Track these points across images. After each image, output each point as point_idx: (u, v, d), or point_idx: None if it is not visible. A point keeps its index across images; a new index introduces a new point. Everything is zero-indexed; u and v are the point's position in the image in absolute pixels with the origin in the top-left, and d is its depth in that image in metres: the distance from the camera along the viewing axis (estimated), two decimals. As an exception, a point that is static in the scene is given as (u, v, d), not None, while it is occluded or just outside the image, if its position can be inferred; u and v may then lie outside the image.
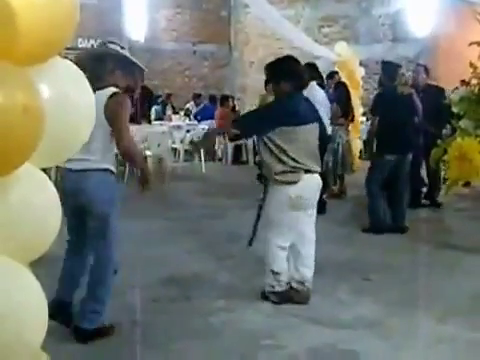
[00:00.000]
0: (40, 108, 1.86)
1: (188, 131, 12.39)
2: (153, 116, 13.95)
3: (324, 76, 9.02)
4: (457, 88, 7.30)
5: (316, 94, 7.16)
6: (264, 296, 4.64)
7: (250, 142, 11.79)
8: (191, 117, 14.59)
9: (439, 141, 6.36)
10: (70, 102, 2.10)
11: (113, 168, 3.82)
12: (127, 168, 10.07)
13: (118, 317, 4.08)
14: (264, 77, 5.28)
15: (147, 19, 18.00)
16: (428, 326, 4.12)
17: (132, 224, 6.51)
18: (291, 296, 4.60)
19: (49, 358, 2.40)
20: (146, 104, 11.57)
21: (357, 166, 9.62)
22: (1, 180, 1.88)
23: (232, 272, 5.32)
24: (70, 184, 3.62)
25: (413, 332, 4.02)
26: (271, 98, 4.83)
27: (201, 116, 14.05)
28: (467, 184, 8.76)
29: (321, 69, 8.79)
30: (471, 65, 6.22)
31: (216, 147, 13.95)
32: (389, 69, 7.16)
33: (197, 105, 15.42)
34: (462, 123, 6.05)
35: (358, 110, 10.67)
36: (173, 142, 11.80)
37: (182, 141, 12.07)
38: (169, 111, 15.43)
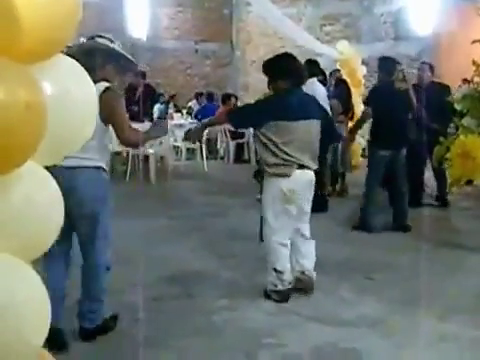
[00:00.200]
0: (43, 105, 1.86)
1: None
2: (156, 114, 13.93)
3: (327, 73, 9.03)
4: (460, 86, 7.29)
5: (316, 90, 7.17)
6: (267, 294, 4.65)
7: (252, 141, 11.78)
8: (192, 116, 14.58)
9: (442, 139, 6.35)
10: (73, 99, 2.10)
11: (105, 166, 3.78)
12: (129, 167, 10.08)
13: (120, 315, 4.08)
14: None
15: (149, 17, 17.99)
16: (430, 324, 4.11)
17: (134, 222, 6.52)
18: (294, 286, 4.70)
19: (51, 357, 2.40)
20: (149, 102, 11.54)
21: (358, 164, 9.60)
22: (4, 178, 1.88)
23: (234, 270, 5.32)
24: (62, 182, 3.57)
25: (415, 330, 4.01)
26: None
27: (201, 115, 14.03)
28: (470, 182, 8.73)
29: (323, 67, 8.79)
30: (474, 63, 6.21)
31: (218, 146, 13.94)
32: (386, 64, 7.15)
33: (199, 104, 15.42)
34: (465, 121, 6.04)
35: (359, 108, 10.65)
36: (175, 140, 11.80)
37: (184, 139, 12.06)
38: (171, 109, 15.43)
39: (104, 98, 3.50)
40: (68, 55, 2.16)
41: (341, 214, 7.52)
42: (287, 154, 4.46)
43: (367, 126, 10.93)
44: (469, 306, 4.50)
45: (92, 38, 3.79)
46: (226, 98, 14.03)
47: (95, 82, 3.58)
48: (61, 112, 2.02)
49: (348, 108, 9.00)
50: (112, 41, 3.82)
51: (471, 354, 3.76)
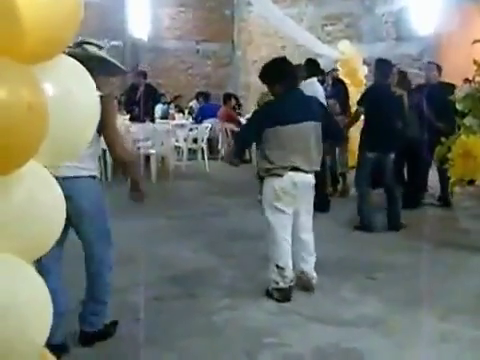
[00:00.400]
0: (45, 106, 1.86)
1: (191, 130, 12.39)
2: (159, 115, 13.93)
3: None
4: (462, 86, 7.28)
5: (316, 90, 7.18)
6: (268, 293, 4.66)
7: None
8: (193, 117, 14.57)
9: (443, 139, 6.34)
10: (74, 100, 2.10)
11: (98, 173, 3.82)
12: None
13: (121, 315, 4.08)
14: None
15: (150, 17, 17.99)
16: (432, 324, 4.11)
17: (135, 222, 6.52)
18: (296, 283, 4.76)
19: (52, 356, 2.40)
20: (150, 102, 11.53)
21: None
22: (6, 178, 1.88)
23: (235, 270, 5.33)
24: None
25: (417, 330, 4.01)
26: (270, 96, 5.01)
27: (201, 116, 14.03)
28: (471, 182, 8.72)
29: (324, 67, 8.80)
30: (475, 63, 6.20)
31: (219, 146, 13.94)
32: (383, 67, 7.15)
33: (200, 104, 15.40)
34: (467, 121, 6.03)
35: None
36: (176, 140, 11.80)
37: (185, 139, 12.06)
38: (172, 109, 15.43)
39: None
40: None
41: (343, 214, 7.52)
42: (278, 158, 4.58)
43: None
44: (470, 306, 4.50)
45: (80, 45, 3.65)
46: (227, 98, 14.04)
47: None
48: (63, 112, 2.02)
49: (345, 108, 8.98)
50: (100, 47, 3.73)
51: (472, 354, 3.76)
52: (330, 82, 9.52)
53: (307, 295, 4.74)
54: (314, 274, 4.82)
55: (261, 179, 4.86)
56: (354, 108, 9.20)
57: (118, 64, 3.86)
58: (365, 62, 11.13)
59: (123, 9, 17.41)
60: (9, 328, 1.93)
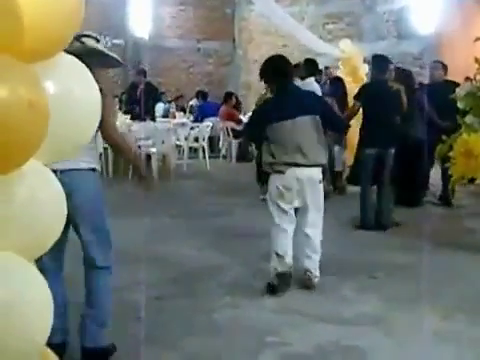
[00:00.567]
0: (45, 104, 1.86)
1: (192, 128, 12.40)
2: (160, 113, 13.92)
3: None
4: (463, 84, 7.26)
5: (315, 90, 7.22)
6: (269, 290, 4.69)
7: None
8: (194, 117, 14.56)
9: (444, 137, 6.33)
10: (75, 98, 2.10)
11: (98, 166, 3.63)
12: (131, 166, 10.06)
13: (122, 314, 4.08)
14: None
15: (151, 16, 17.98)
16: (433, 323, 4.11)
17: (136, 221, 6.51)
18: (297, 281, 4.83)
19: (53, 355, 2.40)
20: (150, 101, 11.51)
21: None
22: (7, 176, 1.88)
23: (237, 269, 5.32)
24: None
25: (418, 329, 4.00)
26: (268, 95, 5.20)
27: (201, 116, 14.03)
28: (472, 181, 8.72)
29: (326, 66, 8.80)
30: (476, 61, 6.19)
31: (220, 144, 13.94)
32: (379, 63, 7.13)
33: (200, 102, 15.40)
34: (468, 119, 6.02)
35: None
36: (177, 139, 11.80)
37: (186, 138, 12.06)
38: (173, 108, 15.43)
39: None
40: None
41: (342, 213, 7.51)
42: (278, 154, 4.69)
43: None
44: (471, 305, 4.49)
45: (78, 38, 3.52)
46: (227, 97, 14.04)
47: None
48: (63, 110, 2.02)
49: (344, 106, 8.97)
50: (98, 40, 3.65)
51: (472, 352, 3.75)
52: (328, 81, 9.52)
53: (308, 294, 4.74)
54: (317, 273, 4.82)
55: (261, 179, 4.94)
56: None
57: (116, 57, 3.83)
58: (366, 61, 11.12)
59: (124, 8, 17.41)
60: (10, 327, 1.93)
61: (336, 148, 8.86)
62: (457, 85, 7.84)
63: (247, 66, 19.23)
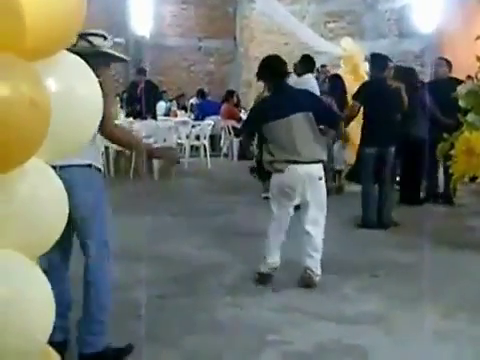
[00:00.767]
0: (47, 102, 1.86)
1: (193, 127, 12.40)
2: (162, 112, 13.92)
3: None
4: (464, 83, 7.24)
5: (312, 87, 7.26)
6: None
7: (257, 137, 11.79)
8: (194, 115, 14.55)
9: (446, 135, 6.32)
10: (76, 96, 2.10)
11: (98, 164, 3.46)
12: (132, 164, 10.07)
13: (123, 312, 4.08)
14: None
15: (152, 15, 17.97)
16: (433, 321, 4.10)
17: (138, 219, 6.51)
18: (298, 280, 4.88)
19: (55, 353, 2.40)
20: (151, 99, 11.50)
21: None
22: (8, 174, 1.88)
23: (238, 268, 5.32)
24: None
25: (419, 327, 4.00)
26: (266, 94, 5.29)
27: (202, 114, 14.02)
28: (473, 179, 8.70)
29: (327, 64, 8.80)
30: (478, 59, 6.18)
31: (222, 143, 13.95)
32: (378, 61, 7.12)
33: (199, 101, 15.39)
34: (469, 117, 6.01)
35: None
36: (179, 137, 11.80)
37: (188, 137, 12.07)
38: (174, 107, 15.42)
39: None
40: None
41: (342, 211, 7.50)
42: (276, 153, 4.76)
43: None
44: (472, 303, 4.49)
45: (85, 36, 3.45)
46: (229, 95, 14.03)
47: None
48: (65, 109, 2.02)
49: (343, 104, 8.96)
50: (105, 38, 3.55)
51: (473, 351, 3.75)
52: (323, 78, 9.53)
53: (309, 292, 4.74)
54: (318, 272, 4.83)
55: (261, 177, 5.00)
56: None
57: (121, 56, 3.80)
58: (367, 59, 11.12)
59: (125, 6, 17.39)
60: (10, 325, 1.93)
61: (335, 146, 8.86)
62: (461, 82, 7.81)
63: (248, 64, 19.20)
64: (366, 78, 10.75)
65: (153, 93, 11.72)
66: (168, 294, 4.65)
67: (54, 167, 2.23)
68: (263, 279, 4.91)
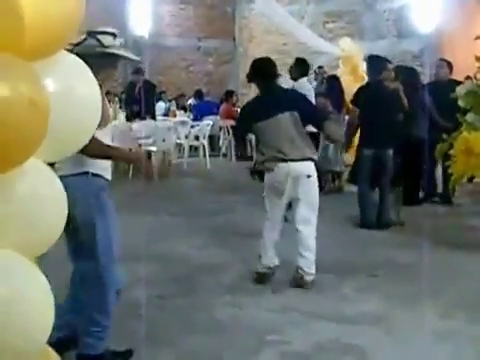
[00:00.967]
0: (46, 102, 1.86)
1: (193, 127, 12.40)
2: (161, 112, 13.91)
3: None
4: (463, 83, 7.23)
5: (309, 90, 7.36)
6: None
7: (254, 138, 11.80)
8: (193, 116, 14.54)
9: (445, 136, 6.32)
10: (75, 96, 2.10)
11: (94, 170, 3.29)
12: (131, 164, 10.05)
13: (122, 312, 4.07)
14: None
15: (151, 15, 17.95)
16: (432, 321, 4.11)
17: (137, 219, 6.52)
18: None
19: (54, 353, 2.40)
20: (150, 99, 11.47)
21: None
22: (8, 174, 1.88)
23: (237, 267, 5.33)
24: None
25: (418, 327, 4.01)
26: None
27: (199, 114, 14.01)
28: (471, 180, 8.70)
29: (326, 64, 8.82)
30: (477, 59, 6.19)
31: (221, 143, 13.94)
32: (374, 63, 7.12)
33: (197, 101, 15.38)
34: (469, 117, 6.01)
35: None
36: (178, 137, 11.80)
37: (187, 137, 12.07)
38: (173, 107, 15.41)
39: None
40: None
41: (341, 211, 7.51)
42: (266, 152, 4.86)
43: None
44: (471, 303, 4.49)
45: (94, 35, 3.40)
46: (228, 95, 14.03)
47: None
48: (64, 108, 2.02)
49: (340, 104, 8.96)
50: (115, 36, 3.51)
51: (473, 351, 3.76)
52: (321, 79, 9.55)
53: (308, 293, 4.74)
54: (311, 271, 4.82)
55: (257, 175, 5.07)
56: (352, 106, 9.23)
57: (129, 56, 3.76)
58: (366, 59, 11.13)
59: (124, 6, 17.38)
60: (10, 325, 1.93)
61: (331, 148, 8.85)
62: (457, 83, 7.81)
63: (247, 64, 19.15)
64: (365, 78, 10.79)
65: (151, 92, 11.69)
66: (167, 294, 4.66)
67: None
68: (261, 278, 4.93)
